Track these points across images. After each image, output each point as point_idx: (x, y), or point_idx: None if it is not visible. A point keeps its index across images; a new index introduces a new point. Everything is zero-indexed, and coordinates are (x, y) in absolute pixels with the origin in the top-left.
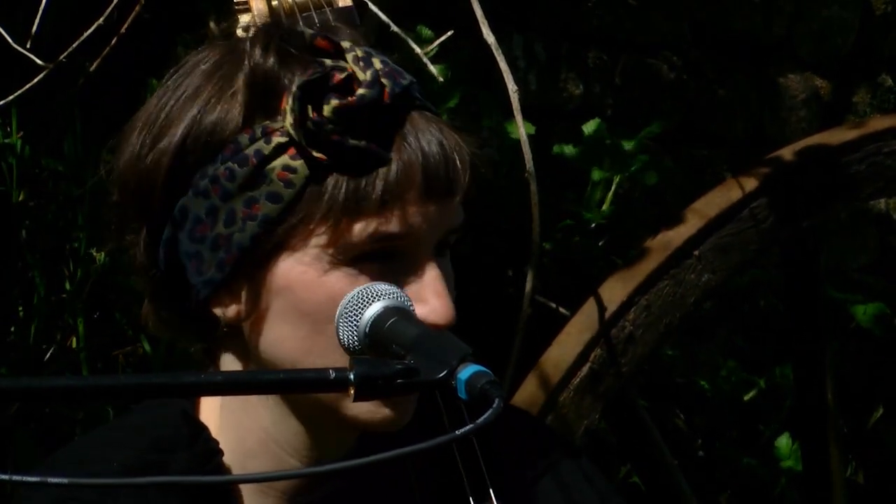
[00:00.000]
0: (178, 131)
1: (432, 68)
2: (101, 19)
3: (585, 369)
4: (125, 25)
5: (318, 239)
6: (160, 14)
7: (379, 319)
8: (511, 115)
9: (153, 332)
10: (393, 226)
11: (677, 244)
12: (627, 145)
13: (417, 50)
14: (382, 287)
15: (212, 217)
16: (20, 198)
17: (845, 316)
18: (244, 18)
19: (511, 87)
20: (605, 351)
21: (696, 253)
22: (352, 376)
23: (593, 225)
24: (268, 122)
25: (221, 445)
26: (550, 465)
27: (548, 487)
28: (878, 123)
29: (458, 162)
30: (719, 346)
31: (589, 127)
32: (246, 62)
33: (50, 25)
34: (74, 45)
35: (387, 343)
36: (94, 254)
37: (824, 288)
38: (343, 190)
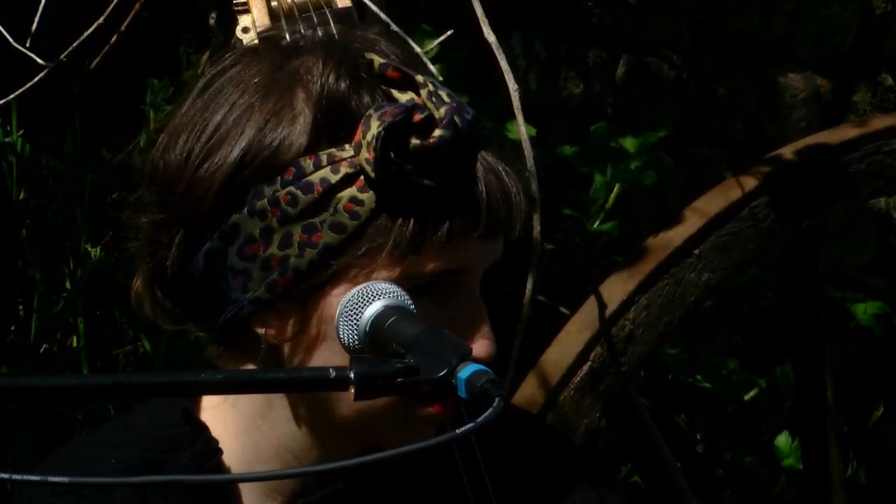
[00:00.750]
0: (237, 147)
1: (432, 68)
2: (102, 18)
3: (585, 368)
4: (124, 24)
5: (379, 273)
6: (160, 13)
7: (379, 318)
8: (511, 114)
9: (148, 316)
10: (454, 263)
11: (677, 243)
12: (631, 146)
13: (417, 49)
14: (382, 286)
15: (266, 238)
16: (20, 196)
17: (845, 315)
18: (244, 20)
19: (512, 86)
20: (605, 350)
21: (696, 252)
22: (352, 375)
23: (592, 227)
24: (334, 149)
25: (233, 449)
26: (550, 464)
27: (547, 487)
28: (878, 122)
29: (516, 205)
30: (719, 345)
31: (595, 129)
32: (315, 83)
33: (50, 24)
34: (75, 45)
35: (387, 342)
36: (91, 250)
37: (824, 287)
38: (410, 227)
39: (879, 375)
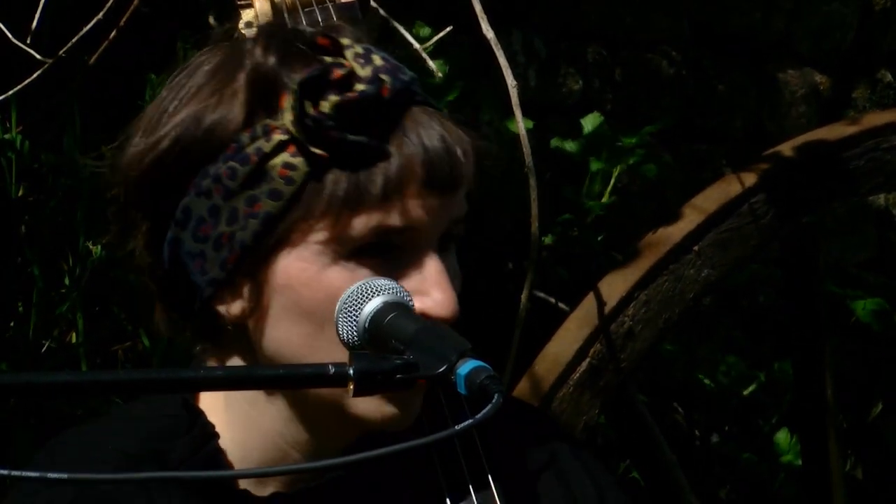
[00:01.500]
0: (179, 131)
1: (431, 63)
2: (101, 14)
3: (585, 365)
4: (123, 19)
5: (318, 234)
6: (160, 9)
7: (378, 315)
8: (510, 110)
9: (166, 335)
10: (394, 219)
11: (676, 240)
12: (627, 142)
13: (416, 45)
14: (382, 282)
15: (214, 216)
16: (19, 193)
17: (845, 311)
18: (247, 14)
19: (510, 81)
20: (604, 346)
21: (696, 248)
22: (351, 371)
23: (590, 219)
24: (268, 120)
25: (227, 439)
26: (551, 456)
27: (548, 479)
28: (877, 119)
29: (460, 154)
30: (719, 341)
31: (588, 122)
32: (247, 61)
33: (49, 21)
34: (74, 40)
35: (386, 338)
36: (91, 247)
37: (824, 284)
38: (343, 185)
39: (879, 372)
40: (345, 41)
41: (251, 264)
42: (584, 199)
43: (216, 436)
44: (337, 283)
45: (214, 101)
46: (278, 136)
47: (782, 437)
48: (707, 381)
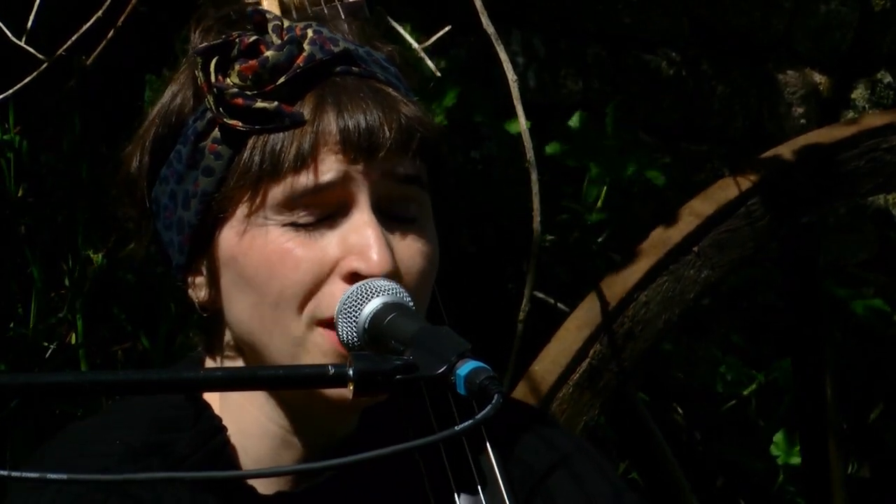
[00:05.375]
0: (153, 123)
1: (429, 63)
2: (100, 12)
3: (585, 365)
4: (121, 19)
5: (245, 205)
6: (159, 9)
7: (378, 315)
8: (507, 113)
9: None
10: (310, 180)
11: (676, 240)
12: (609, 142)
13: (414, 44)
14: (381, 283)
15: (173, 201)
16: (19, 194)
17: (845, 312)
18: None
19: (511, 76)
20: (604, 347)
21: (696, 249)
22: (351, 372)
23: (590, 221)
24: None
25: (227, 428)
26: (563, 457)
27: (561, 480)
28: (877, 120)
29: (382, 121)
30: (718, 342)
31: (575, 121)
32: (189, 48)
33: (48, 20)
34: (72, 40)
35: (386, 339)
36: (92, 255)
37: (824, 284)
38: (258, 153)
39: (879, 372)
40: (268, 15)
41: (201, 244)
42: (584, 199)
43: (223, 429)
44: (269, 250)
45: (176, 89)
46: (210, 115)
47: (782, 437)
48: (706, 382)
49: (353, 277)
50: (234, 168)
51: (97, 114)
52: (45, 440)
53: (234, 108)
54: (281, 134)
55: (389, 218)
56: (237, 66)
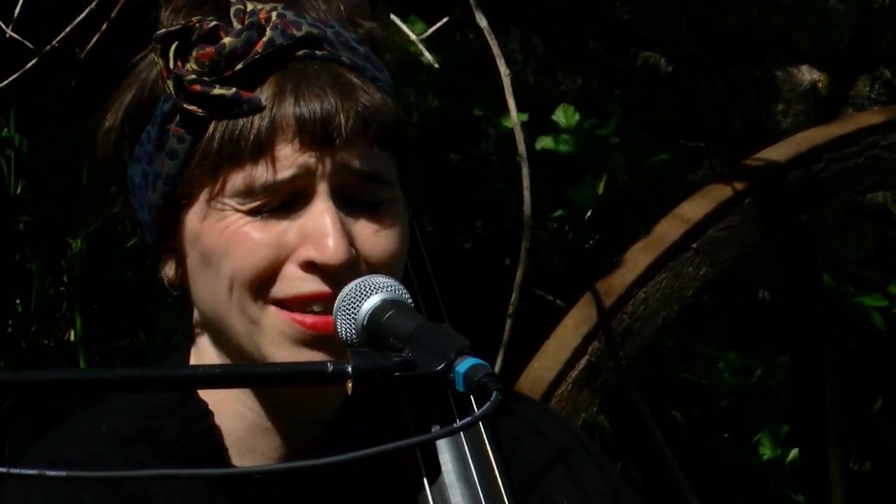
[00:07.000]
0: (126, 101)
1: (428, 55)
2: (94, 3)
3: (583, 362)
4: (115, 11)
5: (206, 190)
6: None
7: (377, 312)
8: (505, 107)
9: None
10: (269, 173)
11: (675, 237)
12: (602, 132)
13: (413, 37)
14: (380, 280)
15: (144, 181)
16: (18, 191)
17: (844, 309)
18: None
19: (503, 70)
20: (603, 344)
21: (695, 246)
22: (350, 369)
23: (586, 217)
24: None
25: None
26: (561, 453)
27: (559, 475)
28: (875, 117)
29: (339, 109)
30: (717, 338)
31: (560, 115)
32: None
33: (46, 14)
34: (67, 30)
35: (385, 336)
36: (71, 241)
37: (823, 281)
38: (217, 140)
39: (878, 369)
40: (241, 2)
41: (167, 225)
42: (582, 194)
43: (210, 413)
44: (228, 231)
45: (147, 75)
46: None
47: (781, 434)
48: (705, 378)
49: (309, 266)
50: (194, 153)
51: (93, 109)
52: (42, 438)
53: (193, 95)
54: (241, 120)
55: (352, 203)
56: (195, 53)
